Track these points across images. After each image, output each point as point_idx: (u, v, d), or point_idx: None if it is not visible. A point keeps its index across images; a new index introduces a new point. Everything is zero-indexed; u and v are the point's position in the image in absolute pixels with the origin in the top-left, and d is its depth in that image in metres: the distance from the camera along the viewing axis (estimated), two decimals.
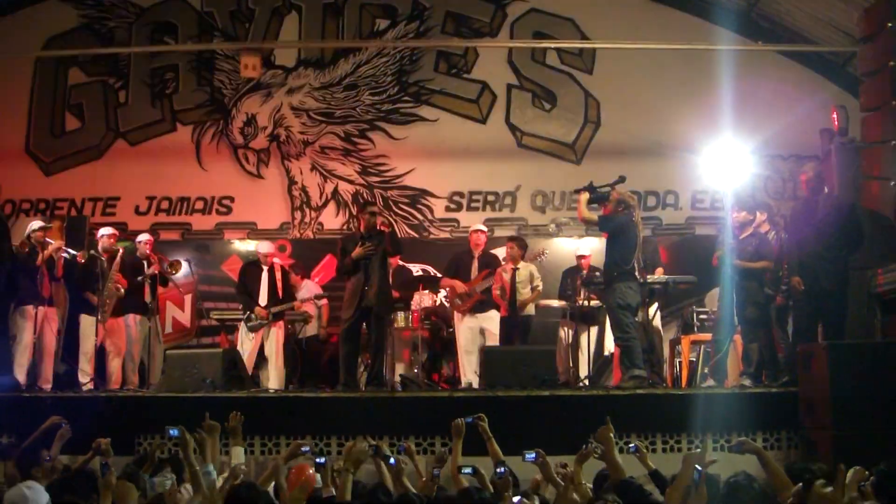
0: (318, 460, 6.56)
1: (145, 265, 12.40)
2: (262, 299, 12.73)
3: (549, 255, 13.22)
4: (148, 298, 12.34)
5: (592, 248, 13.13)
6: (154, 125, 15.49)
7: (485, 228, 13.18)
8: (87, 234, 13.77)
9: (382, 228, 11.35)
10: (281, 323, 12.87)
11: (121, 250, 12.31)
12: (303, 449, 7.55)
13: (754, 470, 6.60)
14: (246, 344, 12.64)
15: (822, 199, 10.59)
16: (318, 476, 6.37)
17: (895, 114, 10.81)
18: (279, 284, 12.89)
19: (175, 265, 12.54)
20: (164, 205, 15.28)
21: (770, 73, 14.30)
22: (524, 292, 12.56)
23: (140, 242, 12.71)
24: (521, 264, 12.65)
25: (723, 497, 5.98)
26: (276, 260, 13.15)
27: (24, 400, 10.45)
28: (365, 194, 15.16)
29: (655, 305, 11.92)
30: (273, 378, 12.48)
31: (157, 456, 8.12)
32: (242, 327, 12.83)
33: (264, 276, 12.86)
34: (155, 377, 12.22)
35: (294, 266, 14.11)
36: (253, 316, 12.63)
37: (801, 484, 4.94)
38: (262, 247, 13.18)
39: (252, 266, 13.11)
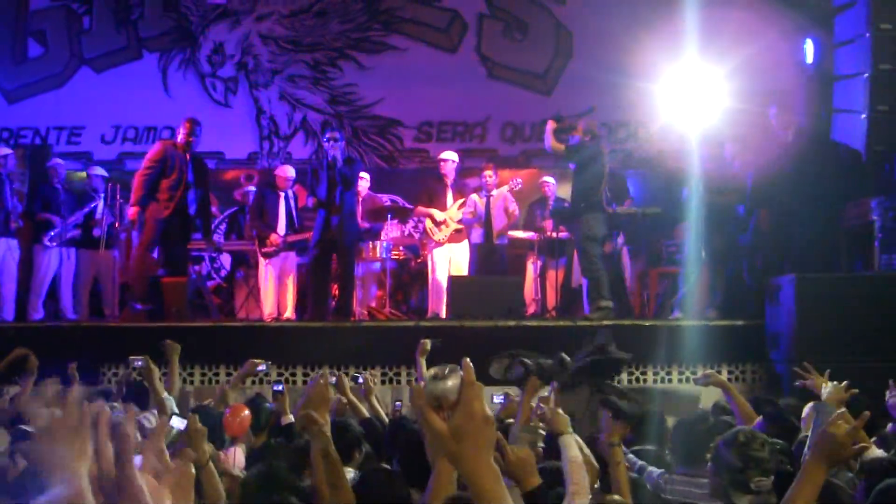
0: (275, 387, 6.49)
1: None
2: (281, 227, 12.17)
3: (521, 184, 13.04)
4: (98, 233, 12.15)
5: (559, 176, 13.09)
6: (119, 52, 15.18)
7: (452, 157, 12.78)
8: None
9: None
10: (293, 253, 12.30)
11: None
12: (259, 368, 7.49)
13: (721, 402, 6.67)
14: (263, 272, 12.16)
15: (792, 132, 10.57)
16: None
17: (869, 46, 10.77)
18: (294, 213, 12.38)
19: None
20: (131, 134, 15.04)
21: (737, 4, 14.13)
22: (500, 219, 12.48)
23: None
24: (496, 191, 12.55)
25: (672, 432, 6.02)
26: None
27: None
28: (333, 124, 14.95)
29: (621, 237, 11.92)
30: (274, 305, 12.05)
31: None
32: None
33: (282, 202, 12.33)
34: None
35: None
36: (268, 243, 12.04)
37: None
38: (287, 171, 12.54)
39: (269, 190, 12.52)
